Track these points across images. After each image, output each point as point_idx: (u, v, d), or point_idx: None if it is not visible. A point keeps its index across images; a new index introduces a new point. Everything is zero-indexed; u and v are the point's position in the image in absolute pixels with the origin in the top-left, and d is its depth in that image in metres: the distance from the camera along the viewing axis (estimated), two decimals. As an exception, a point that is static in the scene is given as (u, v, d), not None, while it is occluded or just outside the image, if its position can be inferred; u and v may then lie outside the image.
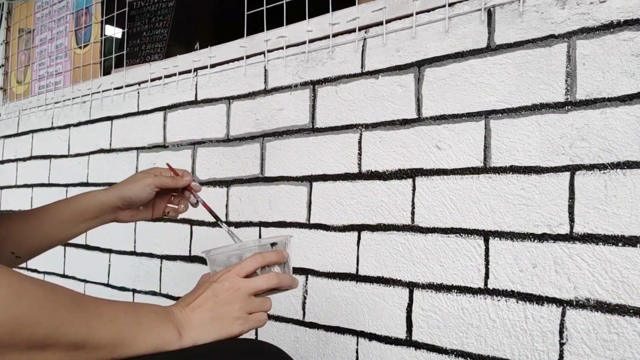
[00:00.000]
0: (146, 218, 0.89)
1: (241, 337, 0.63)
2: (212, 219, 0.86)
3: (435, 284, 0.92)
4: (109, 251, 1.61)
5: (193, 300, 0.62)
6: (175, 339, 0.58)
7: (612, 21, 0.77)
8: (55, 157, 1.84)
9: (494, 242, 0.86)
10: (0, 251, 0.77)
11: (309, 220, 1.11)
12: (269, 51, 1.22)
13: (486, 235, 0.87)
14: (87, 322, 0.51)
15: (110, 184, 1.67)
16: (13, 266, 0.77)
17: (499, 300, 0.85)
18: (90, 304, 0.54)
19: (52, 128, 1.87)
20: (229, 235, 0.79)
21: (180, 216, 1.36)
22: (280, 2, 1.18)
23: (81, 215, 0.81)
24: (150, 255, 1.47)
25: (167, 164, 0.87)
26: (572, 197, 0.79)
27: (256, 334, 1.21)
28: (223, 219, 1.28)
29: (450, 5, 0.93)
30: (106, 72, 1.75)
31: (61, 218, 0.80)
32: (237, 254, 0.67)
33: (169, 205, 0.89)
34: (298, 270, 1.12)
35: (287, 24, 1.18)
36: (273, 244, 0.68)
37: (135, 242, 1.52)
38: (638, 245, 0.73)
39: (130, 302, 0.59)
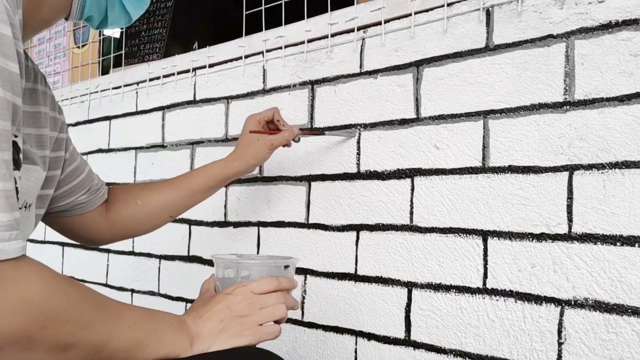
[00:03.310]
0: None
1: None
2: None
3: (433, 283, 0.92)
4: (107, 251, 1.61)
5: (206, 312, 0.65)
6: (186, 349, 0.61)
7: (610, 21, 0.77)
8: (54, 157, 1.83)
9: (492, 242, 0.86)
10: (161, 216, 0.95)
11: (307, 220, 1.11)
12: (267, 51, 1.22)
13: (485, 235, 0.87)
14: (110, 326, 0.53)
15: (109, 184, 1.67)
16: (165, 223, 0.98)
17: (497, 300, 0.85)
18: (114, 308, 0.56)
19: (50, 128, 1.86)
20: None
21: (179, 216, 1.37)
22: (279, 2, 1.18)
23: (217, 183, 0.97)
24: (149, 255, 1.47)
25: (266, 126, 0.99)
26: (570, 197, 0.79)
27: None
28: (221, 218, 1.28)
29: (449, 5, 0.93)
30: (104, 71, 1.75)
31: (203, 186, 0.95)
32: (246, 268, 0.72)
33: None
34: (297, 270, 1.12)
35: (285, 23, 1.18)
36: (286, 267, 0.73)
37: (133, 242, 1.52)
38: (636, 244, 0.73)
39: (148, 309, 0.61)
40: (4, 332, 0.44)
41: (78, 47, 1.91)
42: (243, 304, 0.65)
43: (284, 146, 1.00)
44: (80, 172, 0.87)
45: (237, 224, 1.25)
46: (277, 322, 0.68)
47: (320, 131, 1.02)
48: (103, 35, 1.78)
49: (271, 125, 0.99)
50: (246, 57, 1.26)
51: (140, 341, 0.56)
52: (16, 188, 0.49)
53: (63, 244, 1.78)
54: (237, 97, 1.27)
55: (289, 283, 0.71)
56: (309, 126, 1.12)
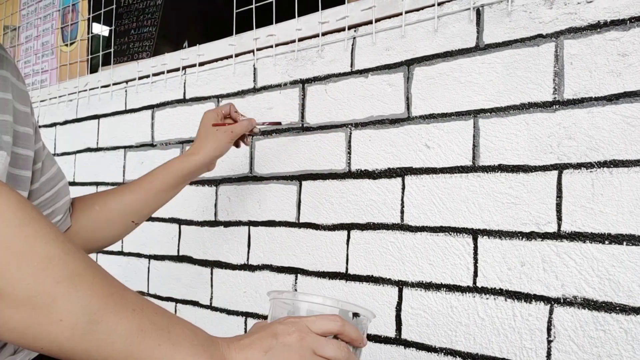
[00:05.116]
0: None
1: None
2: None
3: (424, 282, 0.92)
4: (96, 251, 1.59)
5: (246, 338, 0.51)
6: None
7: (599, 21, 0.78)
8: (41, 156, 1.81)
9: (482, 241, 0.86)
10: (122, 221, 0.88)
11: (298, 219, 1.11)
12: (258, 50, 1.21)
13: (475, 233, 0.87)
14: (106, 292, 0.42)
15: (97, 184, 1.66)
16: (130, 230, 0.91)
17: (487, 299, 0.85)
18: (114, 280, 0.44)
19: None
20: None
21: (169, 215, 1.36)
22: (270, 1, 1.18)
23: (179, 180, 0.92)
24: (138, 255, 1.46)
25: (223, 121, 0.98)
26: (559, 195, 0.80)
27: None
28: (212, 218, 1.28)
29: (440, 4, 0.93)
30: (93, 70, 1.73)
31: (164, 184, 0.90)
32: (305, 308, 0.56)
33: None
34: (287, 270, 1.12)
35: (276, 22, 1.18)
36: (355, 314, 0.57)
37: (122, 242, 1.51)
38: (624, 243, 0.74)
39: (165, 309, 0.48)
40: None
41: (66, 45, 1.89)
42: (294, 337, 0.49)
43: (243, 142, 1.02)
44: (56, 183, 0.77)
45: (227, 224, 1.24)
46: None
47: (277, 122, 1.07)
48: (92, 33, 1.76)
49: (229, 120, 1.00)
50: (236, 55, 1.25)
51: (145, 333, 0.42)
52: None
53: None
54: (228, 95, 1.27)
55: (355, 332, 0.54)
56: (300, 125, 1.12)
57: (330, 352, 0.50)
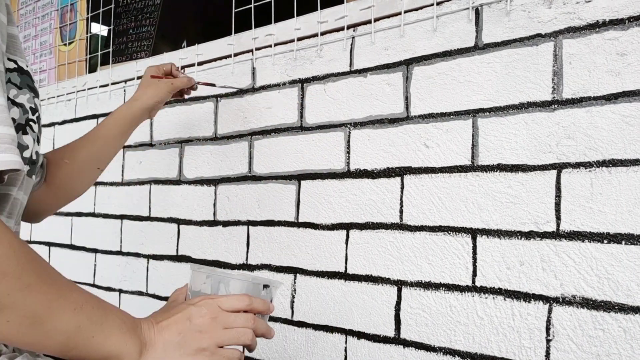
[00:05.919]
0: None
1: None
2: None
3: (423, 282, 0.92)
4: (95, 251, 1.59)
5: (164, 319, 0.59)
6: (134, 355, 0.54)
7: (597, 20, 0.78)
8: (40, 155, 1.81)
9: (481, 240, 0.87)
10: (90, 170, 0.98)
11: (297, 218, 1.11)
12: (257, 49, 1.21)
13: (474, 233, 0.87)
14: (52, 298, 0.49)
15: (96, 183, 1.66)
16: (97, 177, 1.02)
17: (486, 298, 0.85)
18: (63, 283, 0.51)
19: (36, 126, 1.84)
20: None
21: (168, 215, 1.36)
22: (268, 0, 1.18)
23: (126, 124, 1.01)
24: (137, 255, 1.46)
25: (161, 74, 1.08)
26: (558, 195, 0.80)
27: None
28: (210, 217, 1.28)
29: (439, 4, 0.93)
30: (92, 69, 1.73)
31: (115, 130, 1.00)
32: (224, 282, 0.65)
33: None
34: (286, 269, 1.12)
35: (275, 22, 1.18)
36: (265, 286, 0.66)
37: (121, 242, 1.51)
38: (623, 242, 0.74)
39: (102, 300, 0.56)
40: None
41: (65, 44, 1.89)
42: (206, 318, 0.58)
43: (181, 95, 1.14)
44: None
45: (226, 223, 1.24)
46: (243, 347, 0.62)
47: (212, 84, 1.17)
48: (90, 32, 1.76)
49: (169, 77, 1.10)
50: (235, 55, 1.25)
51: (82, 329, 0.50)
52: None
53: (50, 244, 1.75)
54: (226, 95, 1.26)
55: (262, 305, 0.63)
56: (299, 125, 1.12)
57: (240, 323, 0.60)
